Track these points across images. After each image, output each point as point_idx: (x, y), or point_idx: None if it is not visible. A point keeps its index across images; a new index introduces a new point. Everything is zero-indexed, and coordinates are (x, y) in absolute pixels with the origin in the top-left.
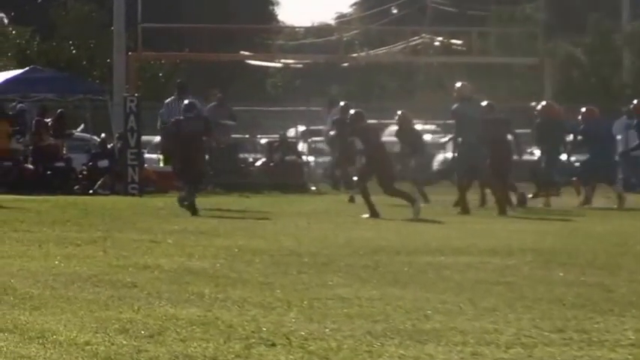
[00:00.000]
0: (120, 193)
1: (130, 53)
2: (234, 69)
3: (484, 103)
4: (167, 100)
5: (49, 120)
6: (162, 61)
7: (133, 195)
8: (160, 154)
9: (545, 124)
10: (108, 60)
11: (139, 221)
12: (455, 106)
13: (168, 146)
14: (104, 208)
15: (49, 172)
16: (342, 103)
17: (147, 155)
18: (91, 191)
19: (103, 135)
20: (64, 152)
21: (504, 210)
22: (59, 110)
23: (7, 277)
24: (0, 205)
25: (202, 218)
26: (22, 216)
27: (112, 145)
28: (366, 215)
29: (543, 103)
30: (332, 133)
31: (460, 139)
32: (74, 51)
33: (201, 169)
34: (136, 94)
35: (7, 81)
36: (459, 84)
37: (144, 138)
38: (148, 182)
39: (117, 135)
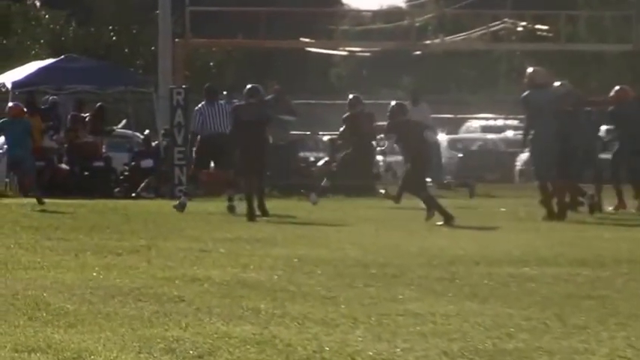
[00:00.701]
0: (165, 197)
1: (176, 40)
2: (294, 58)
3: (557, 84)
4: (198, 107)
5: (86, 115)
6: (213, 49)
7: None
8: (194, 164)
9: (620, 112)
10: (152, 48)
11: (187, 228)
12: (525, 93)
13: (202, 158)
14: (148, 214)
15: (86, 173)
16: (350, 96)
17: None
18: (133, 194)
19: (146, 132)
20: (103, 151)
21: (564, 215)
22: (98, 104)
23: (39, 290)
24: (32, 209)
25: (258, 225)
26: (56, 222)
27: (156, 142)
28: (440, 222)
29: (617, 88)
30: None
31: (533, 133)
32: (114, 37)
33: (265, 162)
34: (184, 86)
35: (40, 71)
36: (530, 69)
37: None
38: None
39: (162, 131)
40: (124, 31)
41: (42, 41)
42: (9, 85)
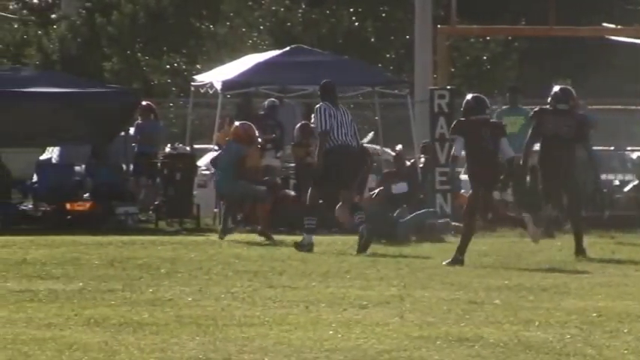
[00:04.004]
0: (425, 232)
1: (438, 26)
2: (592, 49)
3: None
4: (321, 104)
5: None
6: (487, 38)
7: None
8: (316, 178)
9: None
10: (407, 36)
11: (451, 273)
12: None
13: (322, 170)
14: (400, 254)
15: (320, 201)
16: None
17: (464, 176)
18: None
19: (399, 146)
20: None
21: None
22: None
23: (259, 353)
24: (248, 248)
25: (544, 270)
26: (280, 265)
27: (412, 160)
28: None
29: None
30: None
31: None
32: (356, 23)
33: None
34: (449, 86)
35: (258, 67)
36: None
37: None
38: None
39: (421, 145)
40: (369, 15)
41: (261, 28)
42: (218, 86)
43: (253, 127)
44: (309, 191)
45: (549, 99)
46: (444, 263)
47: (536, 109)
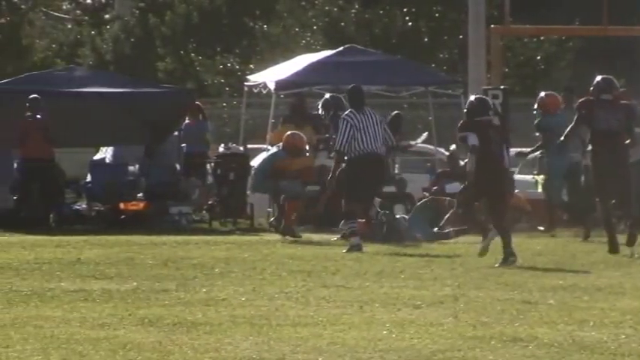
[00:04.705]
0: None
1: (492, 26)
2: None
3: None
4: (345, 115)
5: None
6: (541, 38)
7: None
8: (337, 186)
9: None
10: (460, 36)
11: (505, 273)
12: None
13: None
14: (454, 254)
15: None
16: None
17: (518, 176)
18: (435, 229)
19: (452, 147)
20: (395, 172)
21: None
22: (394, 112)
23: (313, 353)
24: (299, 244)
25: (599, 269)
26: (334, 264)
27: (465, 161)
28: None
29: None
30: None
31: None
32: (410, 23)
33: (627, 185)
34: (502, 86)
35: (312, 66)
36: None
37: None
38: (521, 214)
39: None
40: (423, 14)
41: (315, 28)
42: (271, 86)
43: (304, 139)
44: (343, 201)
45: (591, 89)
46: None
47: (582, 100)
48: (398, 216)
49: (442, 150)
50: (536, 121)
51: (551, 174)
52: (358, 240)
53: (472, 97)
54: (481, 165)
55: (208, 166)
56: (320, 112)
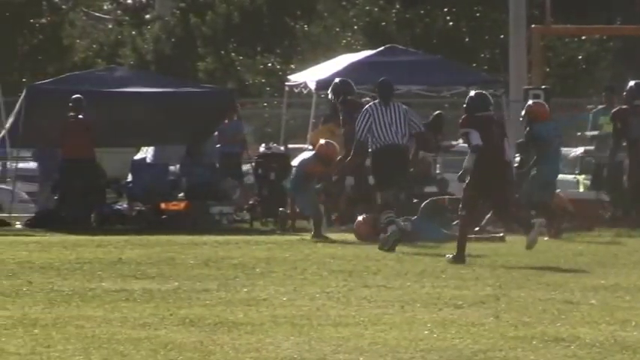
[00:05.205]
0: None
1: (533, 26)
2: None
3: None
4: (367, 106)
5: None
6: (583, 37)
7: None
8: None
9: None
10: (501, 36)
11: (546, 273)
12: None
13: (383, 176)
14: (497, 254)
15: (415, 201)
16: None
17: (562, 176)
18: (476, 229)
19: None
20: (437, 172)
21: None
22: (436, 112)
23: (354, 353)
24: (340, 244)
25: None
26: (375, 264)
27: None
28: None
29: None
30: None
31: None
32: (451, 23)
33: None
34: (544, 86)
35: (353, 66)
36: None
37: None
38: (564, 215)
39: (516, 144)
40: (464, 14)
41: (355, 27)
42: (312, 86)
43: (337, 149)
44: (378, 195)
45: (624, 94)
46: (447, 256)
47: (614, 110)
48: (402, 220)
49: None
50: (525, 132)
51: (538, 180)
52: (395, 228)
53: (472, 93)
54: (483, 158)
55: (249, 165)
56: (330, 96)
